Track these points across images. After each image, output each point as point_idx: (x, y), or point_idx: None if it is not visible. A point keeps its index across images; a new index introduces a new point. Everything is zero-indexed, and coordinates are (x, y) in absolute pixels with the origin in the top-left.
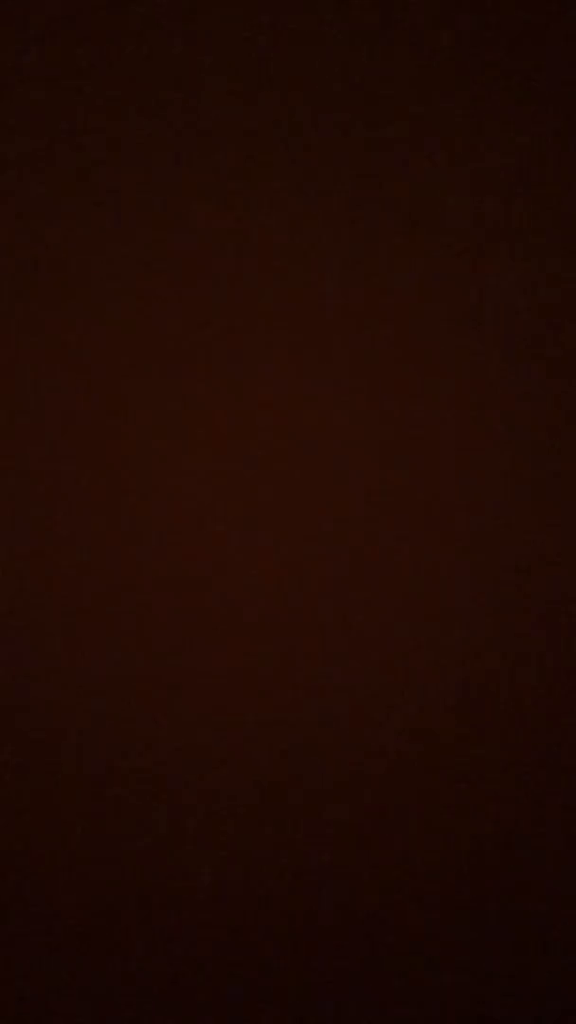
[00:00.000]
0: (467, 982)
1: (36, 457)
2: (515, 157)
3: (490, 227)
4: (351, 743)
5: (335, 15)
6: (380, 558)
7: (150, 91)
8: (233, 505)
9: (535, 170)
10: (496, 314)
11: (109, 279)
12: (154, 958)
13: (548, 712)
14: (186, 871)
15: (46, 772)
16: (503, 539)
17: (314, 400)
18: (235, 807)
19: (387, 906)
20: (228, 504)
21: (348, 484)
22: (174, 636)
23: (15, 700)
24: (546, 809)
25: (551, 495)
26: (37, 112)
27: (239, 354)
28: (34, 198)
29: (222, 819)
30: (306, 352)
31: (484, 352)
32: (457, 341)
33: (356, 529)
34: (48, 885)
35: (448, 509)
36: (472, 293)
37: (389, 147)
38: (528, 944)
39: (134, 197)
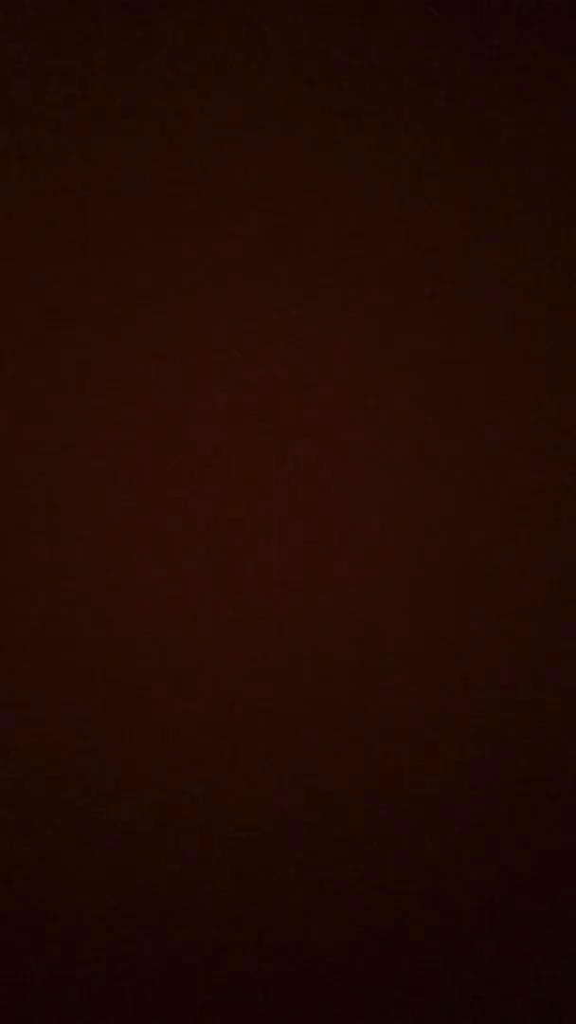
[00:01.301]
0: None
1: (34, 454)
2: (518, 152)
3: (492, 211)
4: (355, 744)
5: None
6: (382, 557)
7: (147, 81)
8: (234, 507)
9: (539, 166)
10: (503, 301)
11: (107, 267)
12: (155, 970)
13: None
14: (188, 888)
15: (45, 773)
16: (510, 536)
17: (316, 387)
18: (239, 818)
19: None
20: (229, 507)
21: (352, 482)
22: (174, 640)
23: (13, 704)
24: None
25: (561, 485)
26: (35, 105)
27: (237, 345)
28: (34, 188)
29: (226, 835)
30: (307, 338)
31: (493, 338)
32: (461, 328)
33: (360, 527)
34: (46, 896)
35: (456, 495)
36: (475, 278)
37: (391, 128)
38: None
39: (133, 187)
